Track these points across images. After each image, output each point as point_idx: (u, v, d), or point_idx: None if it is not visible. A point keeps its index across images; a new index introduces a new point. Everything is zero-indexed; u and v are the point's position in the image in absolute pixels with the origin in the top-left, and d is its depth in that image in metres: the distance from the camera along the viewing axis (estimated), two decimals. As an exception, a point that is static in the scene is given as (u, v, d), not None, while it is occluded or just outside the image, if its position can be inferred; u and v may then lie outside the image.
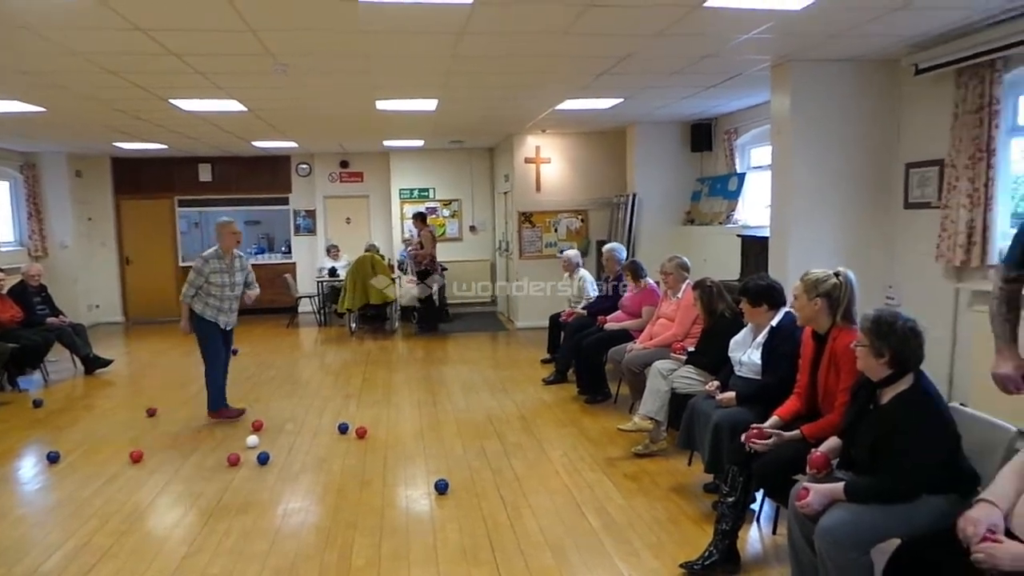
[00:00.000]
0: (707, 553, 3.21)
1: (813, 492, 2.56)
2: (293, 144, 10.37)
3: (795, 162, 5.45)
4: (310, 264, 11.85)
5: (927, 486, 2.44)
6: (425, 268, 9.86)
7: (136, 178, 11.56)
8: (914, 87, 5.24)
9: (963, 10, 4.15)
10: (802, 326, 3.39)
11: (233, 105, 6.68)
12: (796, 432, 3.14)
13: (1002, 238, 4.68)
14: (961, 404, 2.96)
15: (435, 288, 10.16)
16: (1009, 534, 2.06)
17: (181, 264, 11.89)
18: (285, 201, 12.16)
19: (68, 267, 10.58)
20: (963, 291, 4.96)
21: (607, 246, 7.06)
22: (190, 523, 3.85)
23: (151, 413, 5.99)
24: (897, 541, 2.39)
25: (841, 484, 2.54)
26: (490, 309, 11.94)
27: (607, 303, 6.64)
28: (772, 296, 3.81)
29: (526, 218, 10.08)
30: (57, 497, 4.28)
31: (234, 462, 4.71)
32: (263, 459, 4.75)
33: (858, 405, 2.73)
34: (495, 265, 11.97)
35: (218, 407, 5.79)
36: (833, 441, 2.85)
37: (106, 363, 7.80)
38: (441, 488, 4.18)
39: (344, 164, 12.08)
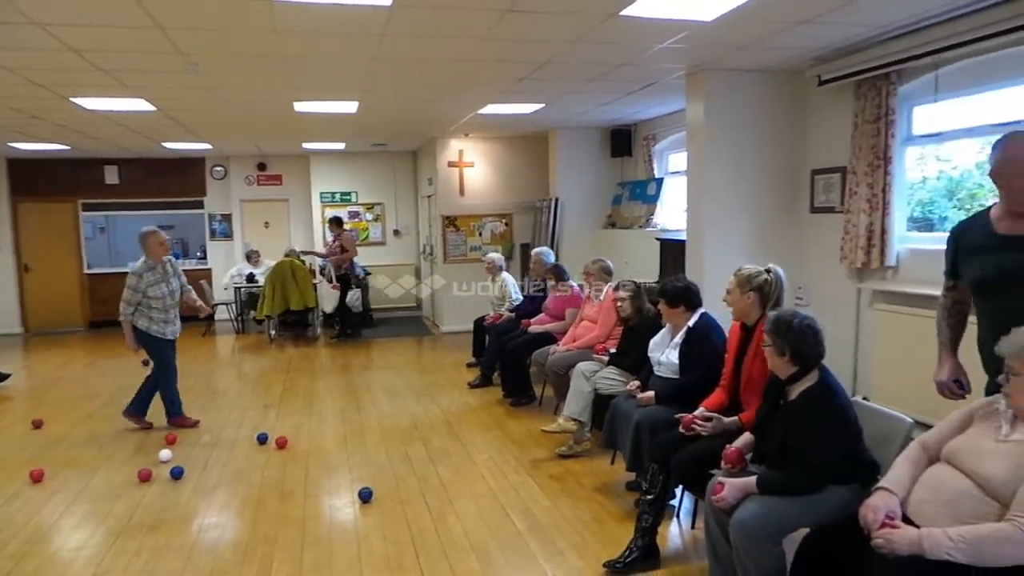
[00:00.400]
0: (628, 551, 3.28)
1: (727, 486, 2.66)
2: (207, 146, 10.01)
3: (709, 167, 5.64)
4: (227, 270, 11.46)
5: (832, 477, 2.57)
6: (345, 273, 9.69)
7: (35, 180, 10.90)
8: (818, 97, 5.52)
9: (861, 26, 4.39)
10: (735, 319, 3.51)
11: (141, 104, 6.39)
12: (735, 418, 3.26)
13: (899, 241, 4.98)
14: (864, 398, 3.15)
15: (355, 294, 10.02)
16: (906, 519, 2.18)
17: (86, 271, 11.28)
18: (200, 205, 11.71)
19: (-41, 275, 9.89)
20: (864, 291, 5.24)
21: (535, 250, 7.12)
22: (97, 544, 3.65)
23: (37, 425, 5.70)
24: (806, 530, 2.50)
25: (753, 478, 2.65)
26: (415, 314, 11.84)
27: (534, 306, 6.70)
28: (689, 297, 3.94)
29: (450, 222, 10.05)
30: (-53, 522, 3.99)
31: (145, 478, 4.50)
32: (177, 474, 4.55)
33: (769, 401, 2.85)
34: (420, 269, 11.88)
35: (176, 415, 5.67)
36: (747, 436, 2.97)
37: (3, 377, 7.32)
38: (365, 496, 4.12)
39: (262, 167, 11.74)
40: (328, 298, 9.76)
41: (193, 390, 6.96)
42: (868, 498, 2.27)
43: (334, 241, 9.88)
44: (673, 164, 8.14)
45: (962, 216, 5.10)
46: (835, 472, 2.57)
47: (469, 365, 7.61)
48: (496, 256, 7.66)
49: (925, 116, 4.92)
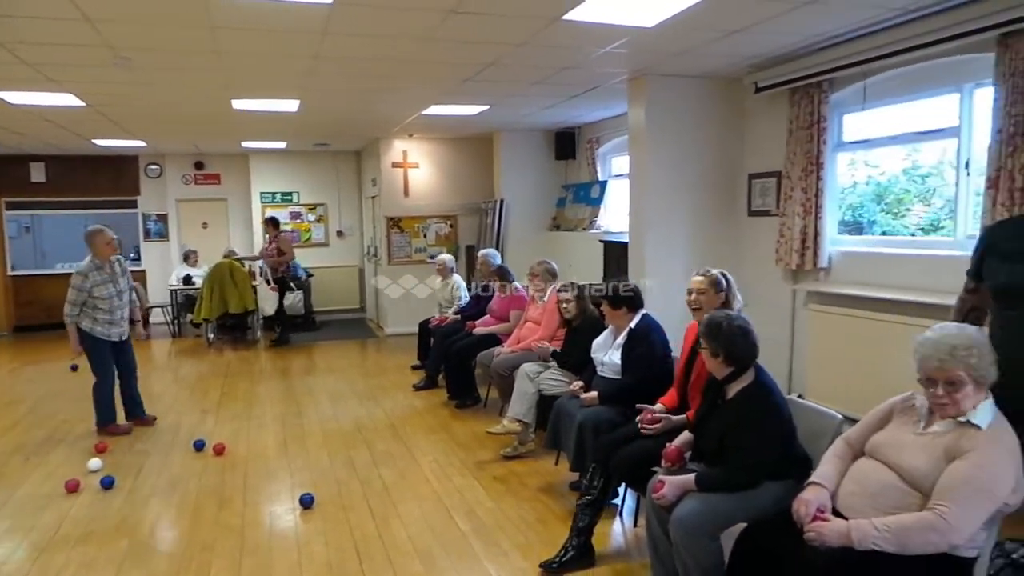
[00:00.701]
0: (563, 551, 3.30)
1: (668, 484, 2.71)
2: (141, 143, 9.67)
3: (650, 171, 5.74)
4: (163, 271, 11.11)
5: (768, 473, 2.65)
6: (282, 275, 9.46)
7: (-45, 177, 10.38)
8: (755, 103, 5.67)
9: (793, 36, 4.53)
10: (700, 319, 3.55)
11: (69, 99, 6.14)
12: (683, 416, 3.33)
13: (831, 244, 5.16)
14: (799, 396, 3.24)
15: (296, 296, 9.83)
16: (836, 512, 2.26)
17: (10, 273, 10.76)
18: (133, 204, 11.31)
19: None
20: (799, 292, 5.41)
21: (482, 251, 7.11)
22: (20, 559, 3.49)
23: None
24: (743, 525, 2.57)
25: (693, 476, 2.71)
26: (359, 316, 11.69)
27: (479, 308, 6.69)
28: (631, 299, 4.00)
29: (394, 223, 9.96)
30: None
31: (73, 489, 4.32)
32: (107, 483, 4.38)
33: (707, 401, 2.92)
34: (364, 271, 11.74)
35: (107, 422, 5.45)
36: (686, 435, 3.03)
37: None
38: (306, 502, 4.04)
39: (199, 165, 11.41)
40: (268, 300, 9.52)
41: (126, 396, 6.72)
42: (801, 493, 2.34)
43: (270, 243, 9.65)
44: (616, 167, 8.25)
45: (890, 220, 5.34)
46: (770, 468, 2.65)
47: (414, 367, 7.55)
48: (447, 257, 7.63)
49: (855, 123, 5.11)
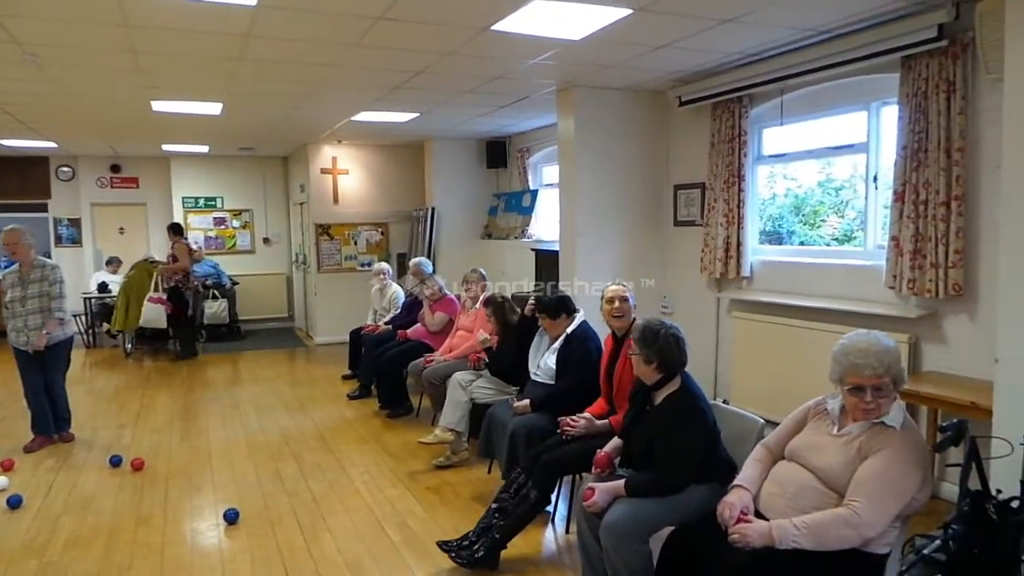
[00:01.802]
0: (466, 540, 3.33)
1: (598, 491, 2.75)
2: (51, 144, 9.21)
3: (579, 181, 5.83)
4: (76, 278, 10.56)
5: (694, 477, 2.72)
6: (176, 285, 8.90)
7: None
8: (679, 116, 5.84)
9: (714, 52, 4.70)
10: (616, 330, 3.62)
11: (-28, 97, 5.80)
12: (606, 422, 3.41)
13: (752, 253, 5.35)
14: (724, 401, 3.36)
15: (221, 304, 9.51)
16: (758, 513, 2.35)
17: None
18: (43, 208, 10.75)
19: None
20: (723, 300, 5.59)
21: (414, 260, 7.07)
22: (-85, 588, 3.26)
23: None
24: (670, 528, 2.63)
25: (622, 482, 2.76)
26: (287, 325, 11.42)
27: (411, 317, 6.63)
28: (566, 307, 4.08)
29: (324, 230, 9.79)
30: None
31: (-25, 510, 4.07)
32: (14, 502, 4.14)
33: (636, 407, 2.98)
34: (291, 279, 11.48)
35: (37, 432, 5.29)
36: (615, 442, 3.09)
37: None
38: (231, 518, 3.92)
39: (116, 168, 10.93)
40: (154, 313, 8.63)
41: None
42: (725, 496, 2.43)
43: (170, 250, 9.12)
44: (547, 176, 8.35)
45: (807, 230, 5.59)
46: (697, 472, 2.72)
47: (345, 377, 7.42)
48: (385, 265, 7.58)
49: (773, 138, 5.34)
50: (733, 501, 2.37)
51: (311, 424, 5.89)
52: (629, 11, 3.77)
